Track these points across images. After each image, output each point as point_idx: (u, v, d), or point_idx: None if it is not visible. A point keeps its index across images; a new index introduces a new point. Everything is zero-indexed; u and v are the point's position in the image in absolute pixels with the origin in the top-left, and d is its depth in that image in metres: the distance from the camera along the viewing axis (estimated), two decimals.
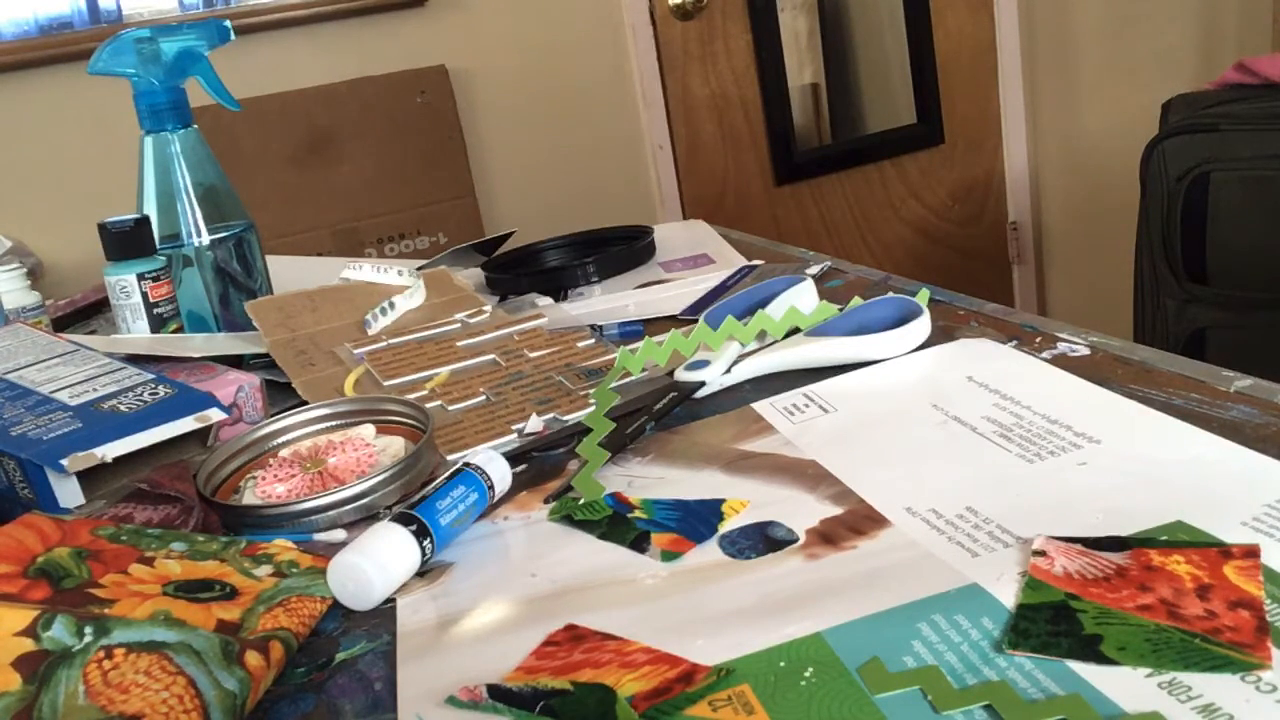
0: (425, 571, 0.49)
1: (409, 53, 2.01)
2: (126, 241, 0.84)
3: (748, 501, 0.49)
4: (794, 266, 0.89)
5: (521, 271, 1.01)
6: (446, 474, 0.52)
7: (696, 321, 0.69)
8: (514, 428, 0.63)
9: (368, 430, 0.63)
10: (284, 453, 0.62)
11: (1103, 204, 2.55)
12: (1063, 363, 0.59)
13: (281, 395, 0.78)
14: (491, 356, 0.75)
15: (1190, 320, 1.80)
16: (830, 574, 0.42)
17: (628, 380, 0.68)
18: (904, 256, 2.51)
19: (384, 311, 0.84)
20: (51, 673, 0.37)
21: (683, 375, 0.65)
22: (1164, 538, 0.40)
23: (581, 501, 0.52)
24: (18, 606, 0.39)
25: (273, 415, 0.69)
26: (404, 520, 0.48)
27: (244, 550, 0.50)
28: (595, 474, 0.55)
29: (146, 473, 0.60)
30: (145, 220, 0.85)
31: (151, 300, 0.84)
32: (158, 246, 0.88)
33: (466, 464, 0.52)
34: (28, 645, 0.38)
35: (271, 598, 0.45)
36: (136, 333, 0.85)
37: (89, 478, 0.62)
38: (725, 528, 0.48)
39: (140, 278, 0.84)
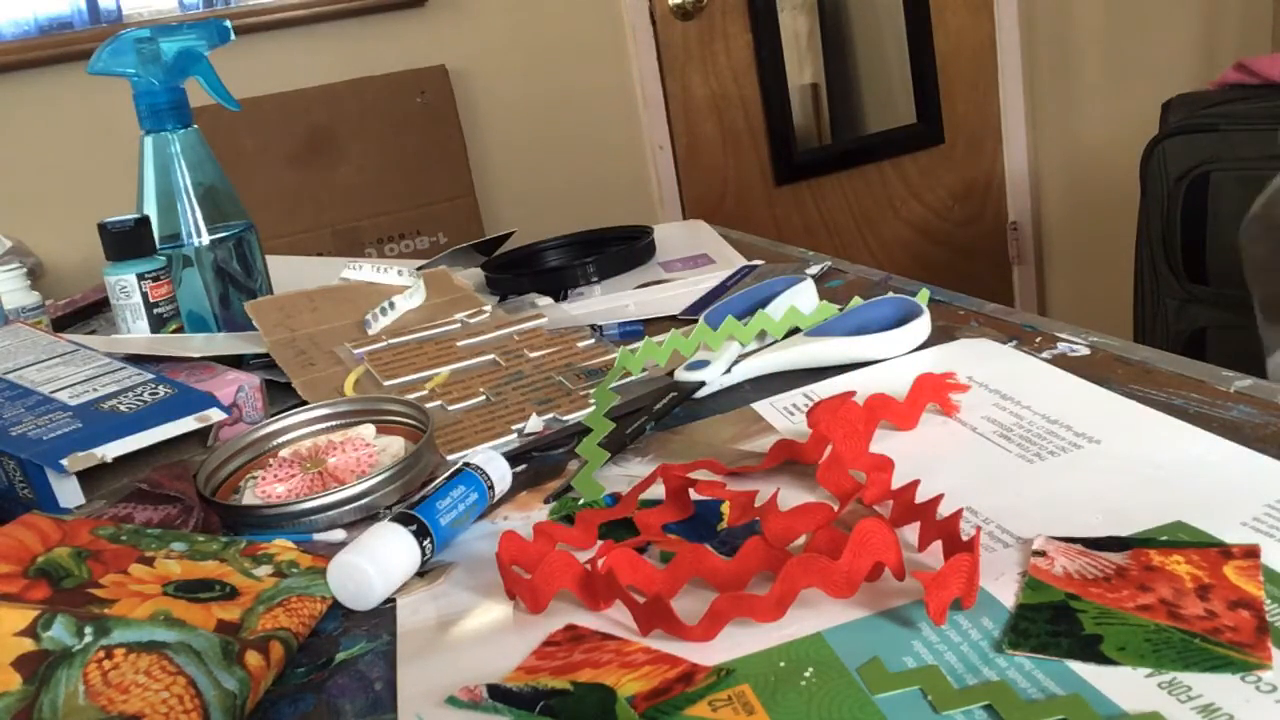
0: (425, 571, 0.49)
1: (409, 53, 2.01)
2: (126, 241, 0.84)
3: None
4: (794, 266, 0.89)
5: (521, 271, 1.01)
6: (446, 474, 0.52)
7: (696, 321, 0.69)
8: (514, 428, 0.63)
9: (368, 430, 0.63)
10: (284, 453, 0.62)
11: (1103, 204, 2.55)
12: (1063, 363, 0.59)
13: (281, 395, 0.78)
14: (491, 356, 0.75)
15: (1190, 320, 1.80)
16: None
17: (628, 380, 0.68)
18: (904, 256, 2.51)
19: (384, 311, 0.84)
20: (51, 673, 0.37)
21: (683, 375, 0.65)
22: (1164, 538, 0.40)
23: (581, 502, 0.52)
24: (18, 606, 0.39)
25: (273, 415, 0.69)
26: (404, 520, 0.48)
27: (244, 550, 0.50)
28: (595, 474, 0.55)
29: (146, 473, 0.60)
30: (145, 220, 0.85)
31: (151, 300, 0.84)
32: (158, 246, 0.88)
33: (466, 464, 0.52)
34: (28, 645, 0.38)
35: (271, 598, 0.45)
36: (136, 333, 0.85)
37: (89, 478, 0.62)
38: (725, 527, 0.48)
39: (140, 278, 0.84)
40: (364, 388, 0.73)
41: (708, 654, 0.38)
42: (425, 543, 0.48)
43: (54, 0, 1.85)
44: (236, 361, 0.83)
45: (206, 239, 0.91)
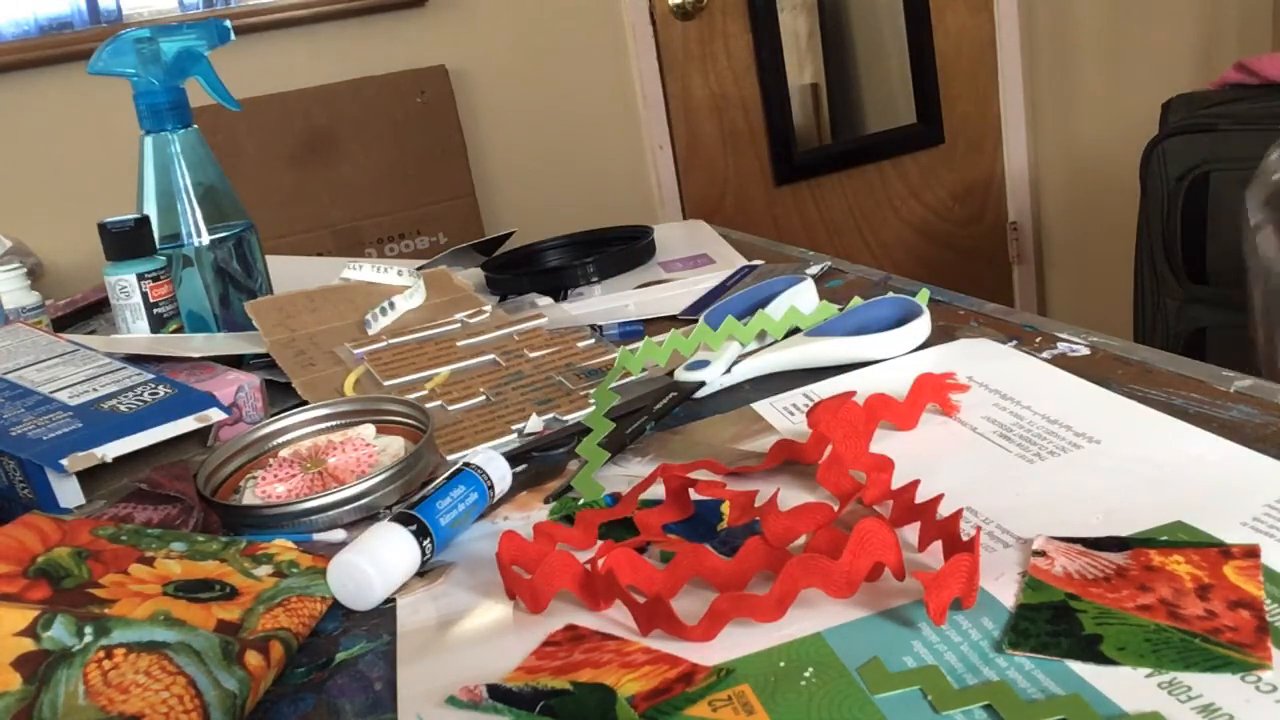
0: (425, 571, 0.49)
1: (409, 53, 2.01)
2: (126, 241, 0.84)
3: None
4: (794, 266, 0.89)
5: (521, 271, 1.01)
6: (446, 474, 0.52)
7: (696, 321, 0.69)
8: (514, 428, 0.63)
9: (368, 430, 0.63)
10: (284, 453, 0.62)
11: (1103, 204, 2.55)
12: (1063, 363, 0.59)
13: (281, 395, 0.78)
14: (491, 356, 0.75)
15: (1190, 320, 1.80)
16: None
17: (628, 380, 0.68)
18: (904, 256, 2.51)
19: (384, 311, 0.84)
20: (51, 673, 0.37)
21: (683, 375, 0.65)
22: (1164, 538, 0.40)
23: (581, 502, 0.52)
24: (18, 606, 0.39)
25: (273, 415, 0.69)
26: (404, 520, 0.48)
27: (244, 550, 0.50)
28: (595, 474, 0.55)
29: (146, 473, 0.60)
30: (145, 220, 0.85)
31: (151, 300, 0.84)
32: (158, 246, 0.88)
33: (466, 464, 0.52)
34: (28, 645, 0.38)
35: (271, 598, 0.45)
36: (136, 333, 0.85)
37: (89, 478, 0.62)
38: (725, 527, 0.48)
39: (140, 278, 0.84)
40: (364, 388, 0.73)
41: (708, 654, 0.38)
42: (425, 543, 0.48)
43: (54, 0, 1.85)
44: (236, 361, 0.83)
45: (206, 239, 0.91)
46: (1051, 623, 0.36)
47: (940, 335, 0.67)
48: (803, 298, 0.74)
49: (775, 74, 2.29)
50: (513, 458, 0.57)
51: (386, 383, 0.72)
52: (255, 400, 0.73)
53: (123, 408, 0.65)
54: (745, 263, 0.94)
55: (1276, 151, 1.33)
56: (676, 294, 0.88)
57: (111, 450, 0.60)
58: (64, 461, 0.59)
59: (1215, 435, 0.47)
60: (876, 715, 0.34)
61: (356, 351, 0.78)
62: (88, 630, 0.39)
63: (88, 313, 1.21)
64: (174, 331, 0.86)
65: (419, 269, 0.98)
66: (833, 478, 0.48)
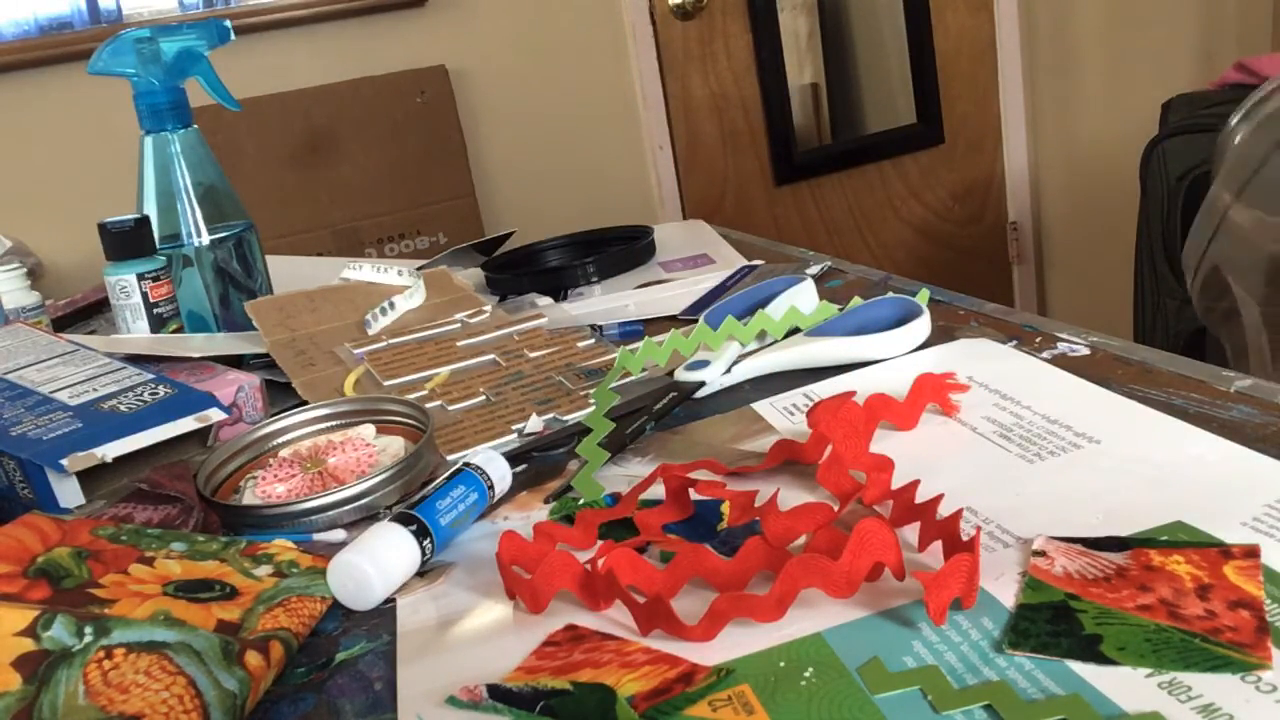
0: (425, 571, 0.49)
1: (409, 53, 2.01)
2: (126, 241, 0.84)
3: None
4: (794, 266, 0.89)
5: (521, 271, 1.01)
6: (446, 474, 0.52)
7: (696, 321, 0.69)
8: (514, 428, 0.63)
9: (368, 430, 0.63)
10: (284, 453, 0.62)
11: (1103, 204, 2.55)
12: (1063, 363, 0.59)
13: (281, 395, 0.78)
14: (491, 356, 0.75)
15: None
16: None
17: (628, 380, 0.68)
18: (904, 256, 2.51)
19: (384, 311, 0.84)
20: (51, 673, 0.37)
21: (683, 375, 0.65)
22: (1164, 538, 0.40)
23: (581, 502, 0.52)
24: (18, 606, 0.39)
25: (273, 415, 0.69)
26: (404, 520, 0.48)
27: (244, 550, 0.50)
28: (595, 474, 0.55)
29: (146, 473, 0.60)
30: (145, 220, 0.85)
31: (151, 300, 0.84)
32: (158, 246, 0.88)
33: (466, 464, 0.52)
34: (28, 645, 0.38)
35: (271, 598, 0.45)
36: (136, 333, 0.85)
37: (89, 478, 0.62)
38: (725, 527, 0.48)
39: (140, 278, 0.84)
40: (364, 388, 0.73)
41: (708, 654, 0.38)
42: (425, 543, 0.48)
43: (54, 0, 1.85)
44: (236, 361, 0.83)
45: (206, 239, 0.91)
46: (1051, 623, 0.36)
47: (940, 335, 0.67)
48: (803, 298, 0.74)
49: (775, 74, 2.29)
50: (513, 458, 0.57)
51: (386, 383, 0.72)
52: (255, 400, 0.73)
53: (123, 408, 0.65)
54: (745, 263, 0.94)
55: (1233, 121, 1.32)
56: (676, 294, 0.88)
57: (111, 450, 0.60)
58: (64, 461, 0.59)
59: (1215, 435, 0.47)
60: (876, 715, 0.34)
61: (356, 351, 0.78)
62: (88, 630, 0.39)
63: (88, 313, 1.21)
64: (174, 331, 0.86)
65: (419, 269, 0.98)
66: (833, 478, 0.48)
